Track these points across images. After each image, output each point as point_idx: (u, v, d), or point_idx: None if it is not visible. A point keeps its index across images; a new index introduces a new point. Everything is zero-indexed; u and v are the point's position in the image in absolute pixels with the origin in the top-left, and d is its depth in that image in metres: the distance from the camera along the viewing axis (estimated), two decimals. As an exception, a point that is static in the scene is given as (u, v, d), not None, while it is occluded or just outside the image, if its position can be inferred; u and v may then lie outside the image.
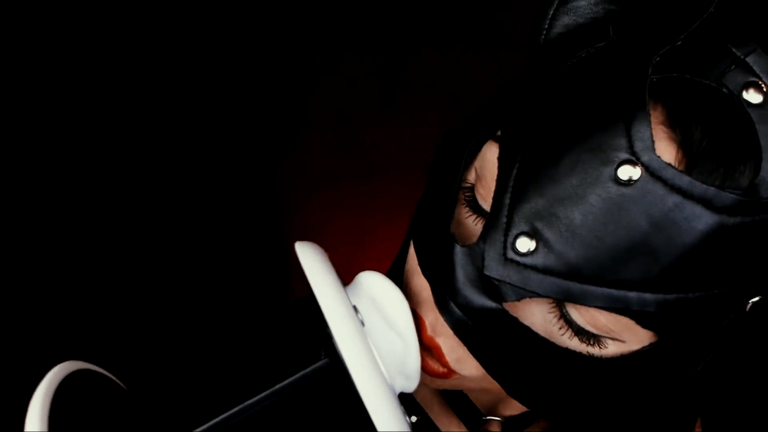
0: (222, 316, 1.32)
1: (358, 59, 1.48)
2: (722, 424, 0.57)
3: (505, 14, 1.42)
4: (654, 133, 0.39)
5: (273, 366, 0.41)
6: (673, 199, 0.38)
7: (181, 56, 1.44)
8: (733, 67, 0.39)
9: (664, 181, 0.38)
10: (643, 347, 0.43)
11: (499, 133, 0.44)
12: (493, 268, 0.41)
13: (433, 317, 0.45)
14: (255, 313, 1.30)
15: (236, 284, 1.38)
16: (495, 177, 0.43)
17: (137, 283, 1.34)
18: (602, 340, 0.43)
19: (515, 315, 0.43)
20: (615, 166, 0.39)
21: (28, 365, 0.82)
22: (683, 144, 0.40)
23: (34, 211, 1.32)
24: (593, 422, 0.46)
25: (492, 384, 0.45)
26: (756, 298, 0.42)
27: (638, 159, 0.39)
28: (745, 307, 0.43)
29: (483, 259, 0.41)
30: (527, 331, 0.42)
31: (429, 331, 0.45)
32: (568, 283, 0.40)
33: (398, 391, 0.45)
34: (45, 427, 0.38)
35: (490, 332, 0.42)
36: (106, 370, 0.45)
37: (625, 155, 0.39)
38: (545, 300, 0.43)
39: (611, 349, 0.43)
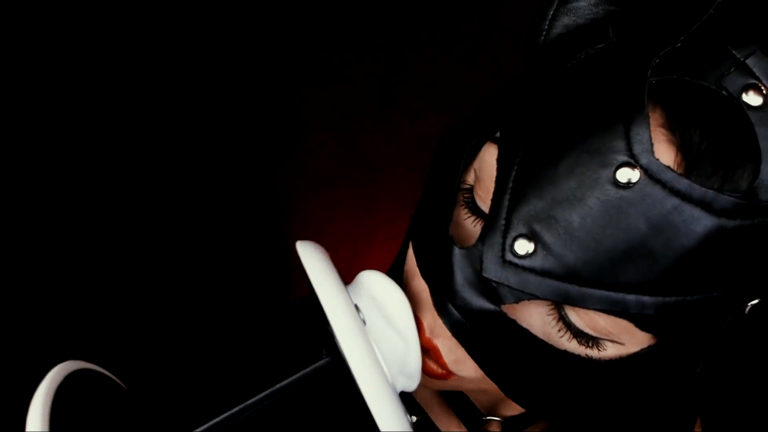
0: (222, 315, 1.32)
1: (358, 59, 1.48)
2: (722, 424, 0.57)
3: (505, 14, 1.42)
4: (653, 135, 0.39)
5: (274, 365, 0.41)
6: (672, 201, 0.38)
7: (181, 56, 1.44)
8: (732, 69, 0.39)
9: (663, 184, 0.38)
10: (642, 350, 0.43)
11: (498, 134, 0.44)
12: (492, 270, 0.41)
13: (431, 319, 0.45)
14: (255, 312, 1.30)
15: (236, 284, 1.38)
16: (494, 179, 0.43)
17: (137, 283, 1.34)
18: (601, 342, 0.43)
19: (514, 317, 0.43)
20: (614, 168, 0.39)
21: (28, 365, 0.82)
22: (682, 147, 0.40)
23: (34, 211, 1.32)
24: (592, 424, 0.46)
25: (490, 385, 0.45)
26: (755, 301, 0.42)
27: (637, 161, 0.39)
28: (744, 309, 0.43)
29: (481, 261, 0.41)
30: (525, 333, 0.42)
31: (427, 333, 0.45)
32: (567, 286, 0.40)
33: (399, 390, 0.45)
34: (46, 427, 0.38)
35: (488, 334, 0.42)
36: (106, 370, 0.45)
37: (623, 158, 0.39)
38: (544, 302, 0.43)
39: (610, 351, 0.43)
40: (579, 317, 0.42)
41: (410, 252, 0.47)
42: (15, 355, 1.19)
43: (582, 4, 0.45)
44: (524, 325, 0.43)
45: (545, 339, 0.43)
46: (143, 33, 1.42)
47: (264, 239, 1.43)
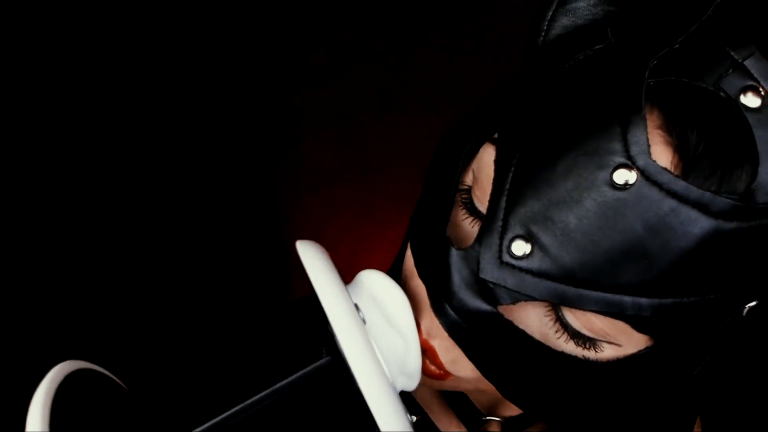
0: (222, 315, 1.32)
1: (358, 59, 1.48)
2: (722, 424, 0.57)
3: (505, 15, 1.42)
4: (650, 137, 0.39)
5: (274, 364, 0.41)
6: (669, 203, 0.38)
7: (181, 56, 1.44)
8: (731, 70, 0.39)
9: (660, 186, 0.38)
10: (639, 351, 0.43)
11: (496, 135, 0.44)
12: (489, 272, 0.41)
13: (428, 319, 0.45)
14: (255, 312, 1.30)
15: (236, 284, 1.38)
16: (491, 179, 0.43)
17: (137, 283, 1.34)
18: (598, 343, 0.43)
19: (511, 318, 0.43)
20: (611, 170, 0.39)
21: (28, 365, 0.82)
22: (679, 148, 0.40)
23: (34, 211, 1.32)
24: (589, 425, 0.46)
25: (487, 386, 0.45)
26: (752, 303, 0.42)
27: (634, 163, 0.39)
28: (742, 311, 0.43)
29: (478, 262, 0.41)
30: (522, 334, 0.42)
31: (424, 334, 0.45)
32: (563, 287, 0.40)
33: (399, 389, 0.45)
34: (46, 427, 0.38)
35: (485, 335, 0.42)
36: (106, 370, 0.45)
37: (620, 159, 0.39)
38: (541, 303, 0.43)
39: (607, 352, 0.43)
40: (576, 318, 0.42)
41: (408, 252, 0.47)
42: (15, 355, 1.19)
43: (581, 4, 0.45)
44: (521, 326, 0.43)
45: (542, 340, 0.43)
46: (143, 33, 1.42)
47: (264, 239, 1.43)
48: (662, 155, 0.40)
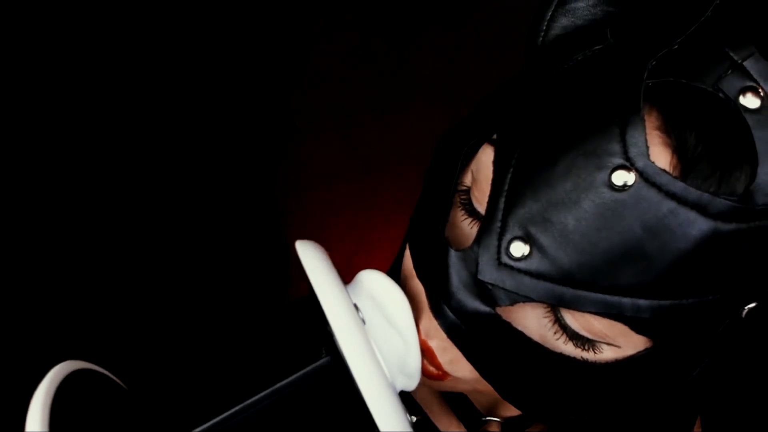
0: (222, 315, 1.32)
1: (358, 59, 1.48)
2: (722, 424, 0.57)
3: (505, 14, 1.42)
4: (649, 138, 0.39)
5: (273, 365, 0.41)
6: (668, 205, 0.38)
7: (181, 56, 1.44)
8: (730, 71, 0.39)
9: (659, 187, 0.38)
10: (638, 352, 0.43)
11: (495, 136, 0.44)
12: (487, 273, 0.41)
13: (427, 320, 0.45)
14: (255, 312, 1.30)
15: (236, 284, 1.38)
16: (490, 180, 0.43)
17: (137, 283, 1.34)
18: (597, 345, 0.43)
19: (510, 319, 0.43)
20: (609, 171, 0.39)
21: (28, 365, 0.82)
22: (678, 149, 0.40)
23: (34, 211, 1.32)
24: (589, 426, 0.46)
25: (486, 386, 0.45)
26: (752, 305, 0.42)
27: (632, 164, 0.38)
28: (741, 313, 0.42)
29: (477, 264, 0.41)
30: (520, 335, 0.42)
31: (423, 334, 0.45)
32: (562, 289, 0.40)
33: (399, 389, 0.45)
34: (46, 427, 0.38)
35: (483, 336, 0.42)
36: (106, 370, 0.45)
37: (619, 160, 0.39)
38: (540, 305, 0.43)
39: (606, 354, 0.43)
40: (575, 320, 0.42)
41: (407, 253, 0.47)
42: (15, 355, 1.19)
43: (580, 5, 0.45)
44: (520, 327, 0.43)
45: (541, 341, 0.43)
46: (143, 33, 1.42)
47: (264, 239, 1.43)
48: (661, 156, 0.40)
